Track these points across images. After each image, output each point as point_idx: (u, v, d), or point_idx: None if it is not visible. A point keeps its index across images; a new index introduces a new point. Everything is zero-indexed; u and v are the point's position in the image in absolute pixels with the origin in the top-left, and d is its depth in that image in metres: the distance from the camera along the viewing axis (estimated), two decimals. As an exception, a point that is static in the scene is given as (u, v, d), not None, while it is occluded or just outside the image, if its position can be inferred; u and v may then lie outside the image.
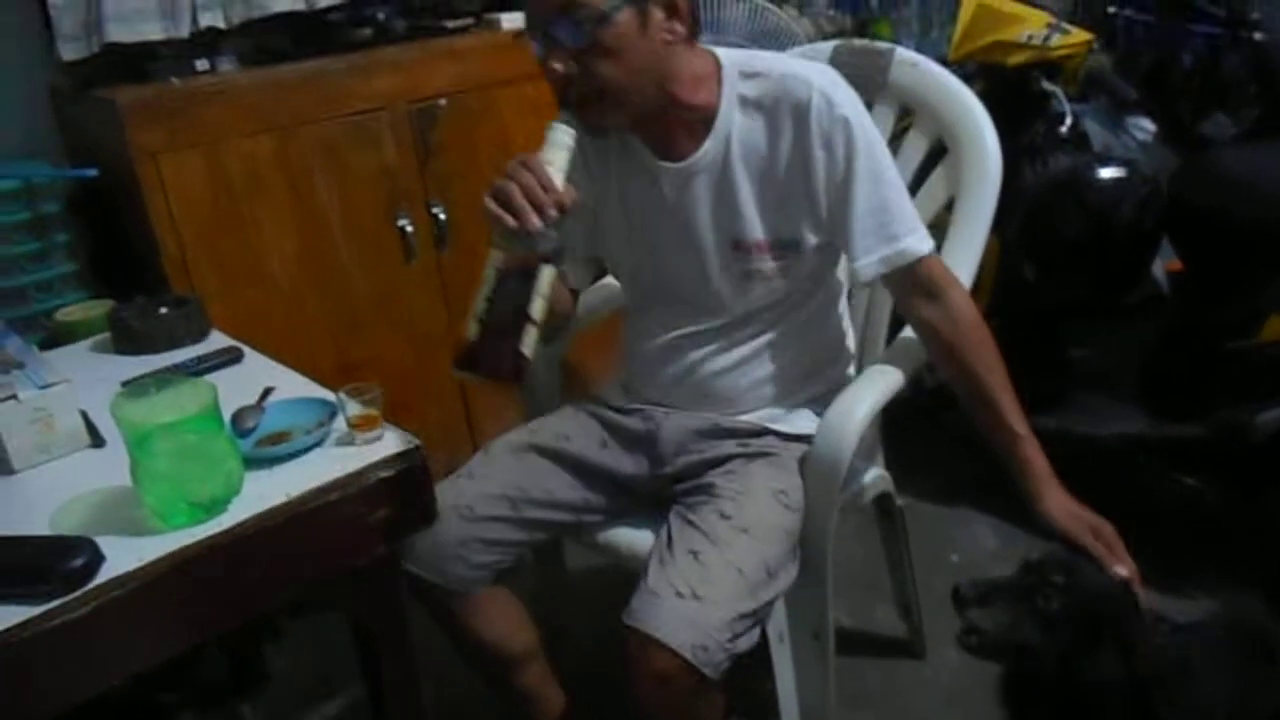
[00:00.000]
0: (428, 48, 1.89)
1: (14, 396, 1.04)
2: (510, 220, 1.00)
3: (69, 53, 1.68)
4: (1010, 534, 1.87)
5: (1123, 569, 1.05)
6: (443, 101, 1.84)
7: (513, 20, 2.00)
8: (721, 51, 1.19)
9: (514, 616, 1.29)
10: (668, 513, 1.20)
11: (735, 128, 1.17)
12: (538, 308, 1.00)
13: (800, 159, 1.15)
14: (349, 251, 1.81)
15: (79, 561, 0.84)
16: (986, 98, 1.38)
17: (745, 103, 1.16)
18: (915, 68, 1.39)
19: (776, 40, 2.18)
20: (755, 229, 1.18)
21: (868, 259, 1.16)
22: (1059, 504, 1.13)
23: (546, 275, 1.01)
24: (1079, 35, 1.86)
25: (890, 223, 1.15)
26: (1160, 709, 1.00)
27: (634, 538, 1.28)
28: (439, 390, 1.96)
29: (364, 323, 1.85)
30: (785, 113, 1.14)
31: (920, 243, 1.17)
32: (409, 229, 1.84)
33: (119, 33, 1.68)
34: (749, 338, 1.25)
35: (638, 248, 1.27)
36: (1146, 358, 1.84)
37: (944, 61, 1.56)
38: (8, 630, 0.80)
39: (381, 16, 1.91)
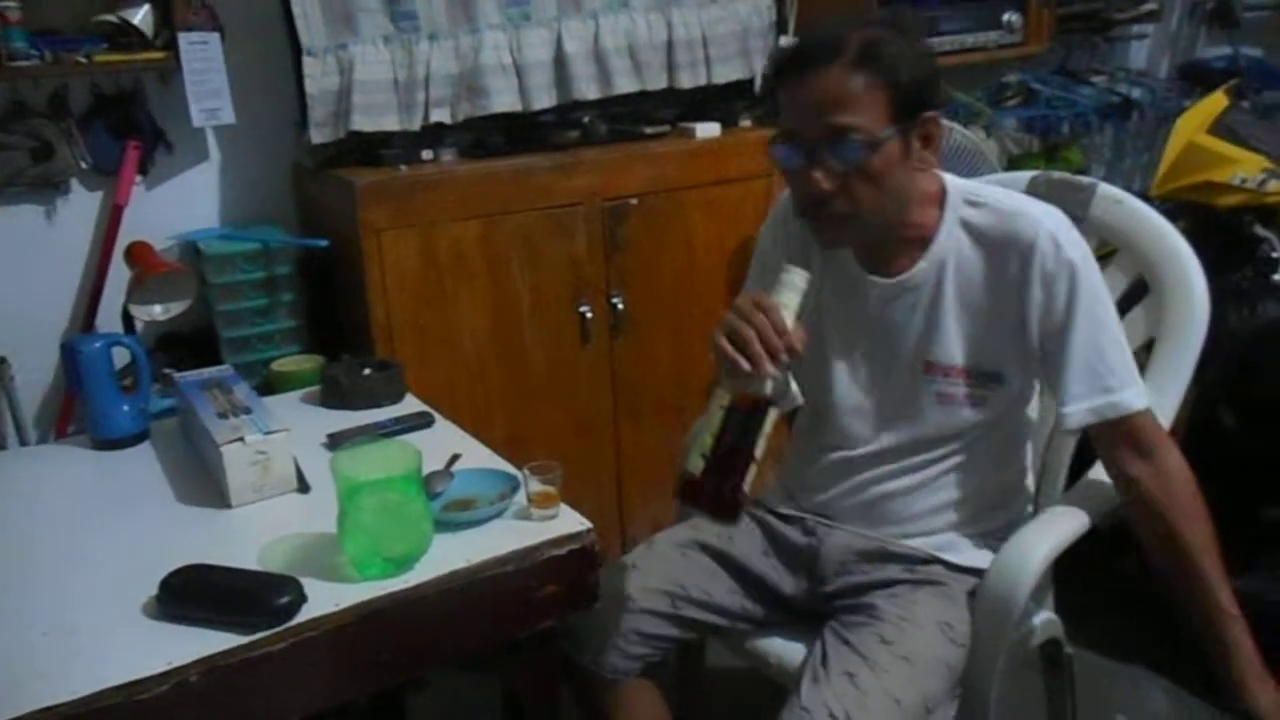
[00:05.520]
0: (626, 150, 2.01)
1: (241, 439, 1.15)
2: (745, 364, 0.99)
3: (318, 137, 1.89)
4: (1185, 701, 1.69)
5: None
6: (634, 200, 1.95)
7: (707, 129, 2.10)
8: (947, 176, 1.20)
9: (656, 713, 1.28)
10: (821, 626, 1.18)
11: (952, 253, 1.16)
12: (761, 448, 1.00)
13: (1017, 297, 1.13)
14: (532, 331, 1.92)
15: (286, 599, 0.91)
16: (1190, 235, 1.33)
17: (968, 229, 1.16)
18: (1120, 205, 1.35)
19: (964, 161, 2.18)
20: (953, 354, 1.17)
21: (1076, 406, 1.13)
22: (1270, 700, 1.05)
23: (772, 417, 1.01)
24: (1298, 182, 1.78)
25: (1106, 373, 1.12)
26: None
27: (785, 649, 1.26)
28: (596, 471, 2.02)
29: (536, 397, 1.94)
30: (1010, 250, 1.13)
31: (1136, 398, 1.12)
32: (589, 315, 1.94)
33: (362, 123, 1.88)
34: (927, 464, 1.22)
35: (830, 353, 1.26)
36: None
37: (1144, 195, 1.52)
38: (217, 655, 0.88)
39: (587, 120, 2.05)
